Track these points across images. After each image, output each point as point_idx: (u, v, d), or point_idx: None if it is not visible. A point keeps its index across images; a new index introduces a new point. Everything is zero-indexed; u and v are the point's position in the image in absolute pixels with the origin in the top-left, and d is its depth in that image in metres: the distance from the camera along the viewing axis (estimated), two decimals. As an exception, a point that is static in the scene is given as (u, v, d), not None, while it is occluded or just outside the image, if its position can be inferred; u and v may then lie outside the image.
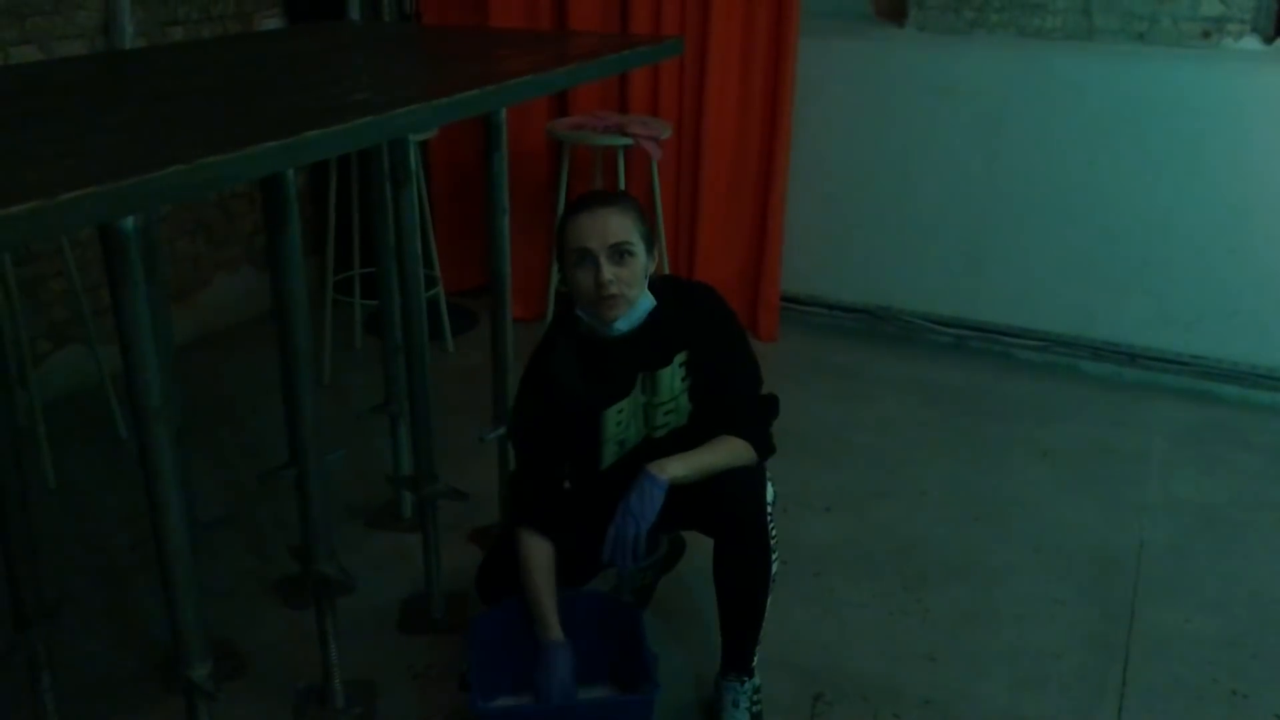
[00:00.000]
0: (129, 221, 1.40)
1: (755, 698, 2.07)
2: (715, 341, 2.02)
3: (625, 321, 1.93)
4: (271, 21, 3.92)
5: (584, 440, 2.03)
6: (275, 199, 1.68)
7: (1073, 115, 3.46)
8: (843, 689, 2.18)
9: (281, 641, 2.30)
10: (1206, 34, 3.39)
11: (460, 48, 2.48)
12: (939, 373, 3.67)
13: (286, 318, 1.76)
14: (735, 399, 2.03)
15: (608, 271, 1.87)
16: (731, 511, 1.94)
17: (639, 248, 1.91)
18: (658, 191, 3.66)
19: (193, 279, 3.80)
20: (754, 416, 2.03)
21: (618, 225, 1.88)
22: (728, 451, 1.96)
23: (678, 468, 1.91)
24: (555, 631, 1.99)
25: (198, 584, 1.64)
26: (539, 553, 2.00)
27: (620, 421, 2.02)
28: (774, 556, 1.96)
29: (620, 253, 1.88)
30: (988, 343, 3.79)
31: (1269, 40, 3.37)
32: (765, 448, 2.02)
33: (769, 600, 1.99)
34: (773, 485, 2.07)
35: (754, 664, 2.06)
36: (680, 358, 2.00)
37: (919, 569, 2.58)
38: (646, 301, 1.95)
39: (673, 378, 2.01)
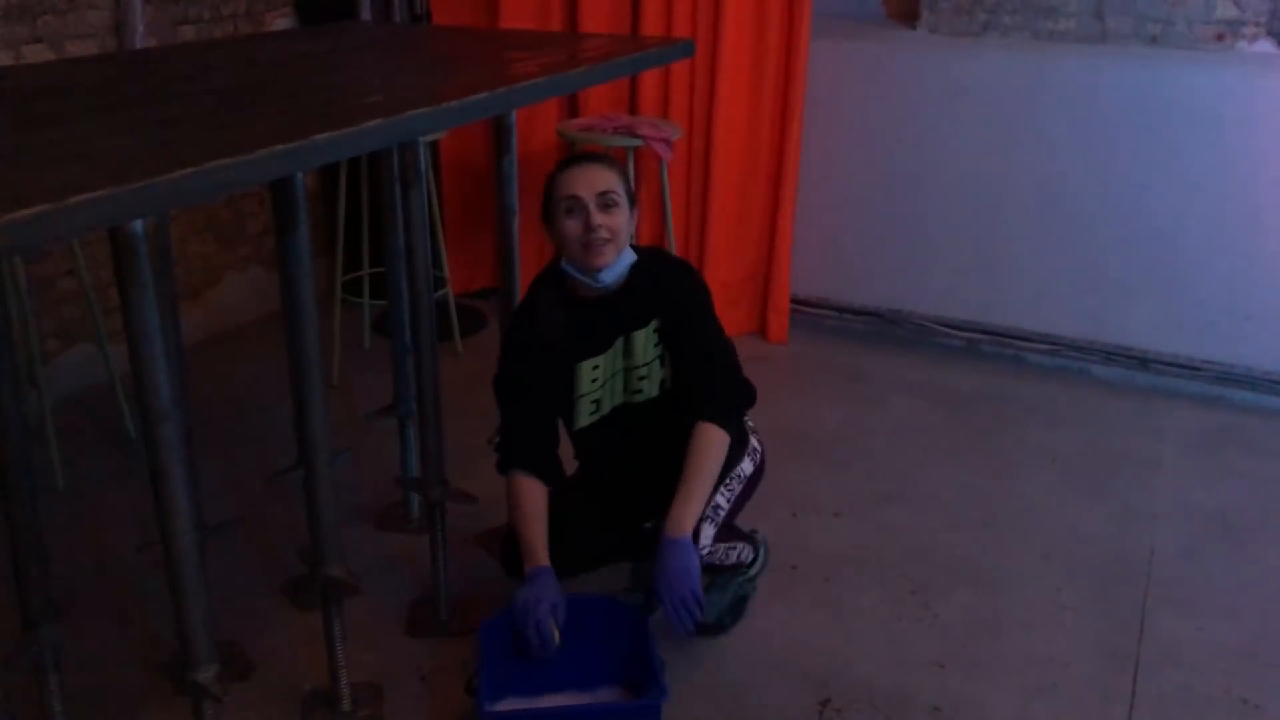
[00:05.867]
0: (139, 224, 1.39)
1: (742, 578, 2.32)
2: (688, 314, 2.11)
3: (610, 273, 2.03)
4: (282, 22, 3.92)
5: (560, 394, 2.12)
6: (284, 201, 1.68)
7: (1085, 118, 3.44)
8: (851, 695, 2.17)
9: (289, 643, 2.30)
10: (1220, 37, 3.38)
11: (471, 49, 2.48)
12: (949, 377, 3.65)
13: (295, 319, 1.75)
14: (717, 372, 2.12)
15: (597, 217, 2.01)
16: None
17: (624, 200, 2.06)
18: (667, 193, 3.65)
19: (202, 278, 3.80)
20: (732, 400, 2.13)
21: (605, 176, 2.05)
22: (711, 460, 2.06)
23: (689, 515, 2.01)
24: (543, 558, 2.03)
25: (205, 585, 1.64)
26: (531, 490, 2.09)
27: (595, 379, 2.11)
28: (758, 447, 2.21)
29: (607, 202, 2.03)
30: (999, 346, 3.78)
31: (1284, 44, 3.35)
32: (738, 435, 2.13)
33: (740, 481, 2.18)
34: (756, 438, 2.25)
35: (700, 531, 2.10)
36: (654, 324, 2.10)
37: (928, 575, 2.57)
38: (628, 256, 2.06)
39: (647, 341, 2.10)
